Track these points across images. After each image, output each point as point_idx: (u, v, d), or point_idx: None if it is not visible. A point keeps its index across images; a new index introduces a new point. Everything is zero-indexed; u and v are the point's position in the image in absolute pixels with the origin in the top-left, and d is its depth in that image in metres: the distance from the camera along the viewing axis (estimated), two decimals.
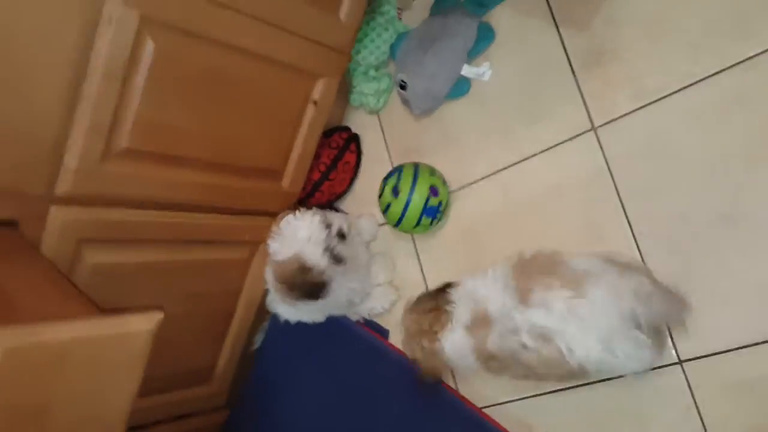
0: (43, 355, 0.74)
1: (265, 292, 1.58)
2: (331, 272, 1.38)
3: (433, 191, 1.46)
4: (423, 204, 1.45)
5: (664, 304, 1.11)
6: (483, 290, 1.19)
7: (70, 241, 1.18)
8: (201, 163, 1.34)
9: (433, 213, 1.47)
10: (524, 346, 1.10)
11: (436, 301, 1.26)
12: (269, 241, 1.43)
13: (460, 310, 1.20)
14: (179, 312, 1.49)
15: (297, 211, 1.43)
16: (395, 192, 1.47)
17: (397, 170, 1.51)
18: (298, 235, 1.38)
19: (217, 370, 1.71)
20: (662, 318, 1.15)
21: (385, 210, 1.51)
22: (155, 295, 1.41)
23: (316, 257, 1.35)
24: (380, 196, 1.52)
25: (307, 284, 1.36)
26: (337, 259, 1.38)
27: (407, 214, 1.46)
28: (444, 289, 1.27)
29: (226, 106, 1.33)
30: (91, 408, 0.85)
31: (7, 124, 1.03)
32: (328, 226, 1.40)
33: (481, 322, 1.16)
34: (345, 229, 1.44)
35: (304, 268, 1.35)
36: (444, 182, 1.51)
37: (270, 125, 1.45)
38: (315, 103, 1.50)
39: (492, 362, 1.18)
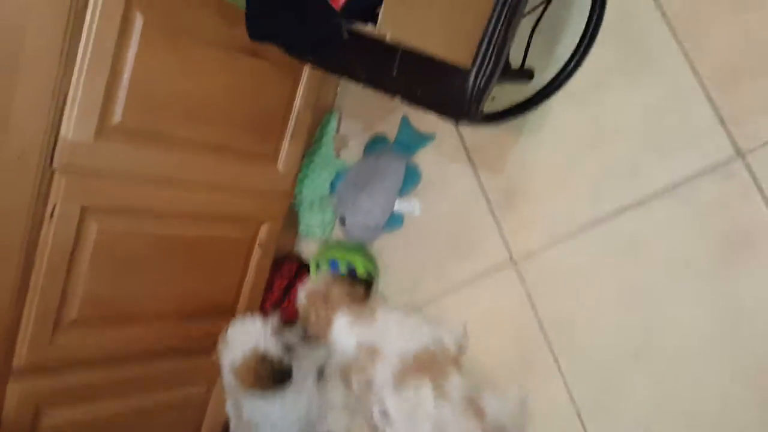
0: None
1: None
2: (288, 358, 1.47)
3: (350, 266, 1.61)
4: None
5: None
6: (394, 331, 1.35)
7: (27, 410, 1.27)
8: (152, 316, 1.44)
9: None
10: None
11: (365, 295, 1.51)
12: (221, 357, 1.49)
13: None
14: None
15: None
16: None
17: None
18: (247, 335, 1.46)
19: None
20: None
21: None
22: None
23: (271, 346, 1.45)
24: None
25: (273, 371, 1.44)
26: (288, 347, 1.48)
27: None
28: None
29: (175, 264, 1.44)
30: None
31: None
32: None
33: (369, 352, 1.31)
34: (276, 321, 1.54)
35: (264, 359, 1.43)
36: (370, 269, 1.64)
37: (219, 272, 1.56)
38: (260, 245, 1.61)
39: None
